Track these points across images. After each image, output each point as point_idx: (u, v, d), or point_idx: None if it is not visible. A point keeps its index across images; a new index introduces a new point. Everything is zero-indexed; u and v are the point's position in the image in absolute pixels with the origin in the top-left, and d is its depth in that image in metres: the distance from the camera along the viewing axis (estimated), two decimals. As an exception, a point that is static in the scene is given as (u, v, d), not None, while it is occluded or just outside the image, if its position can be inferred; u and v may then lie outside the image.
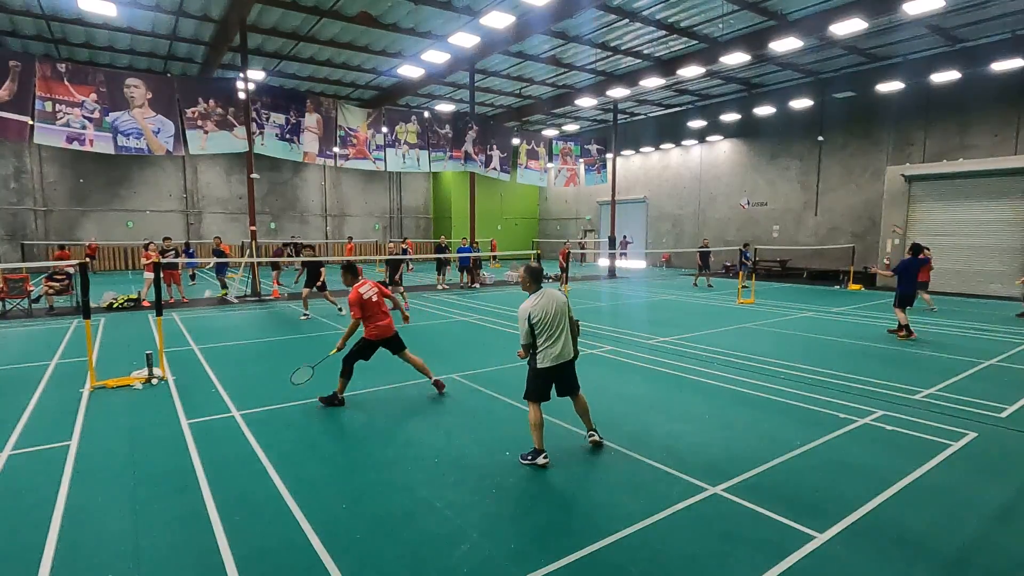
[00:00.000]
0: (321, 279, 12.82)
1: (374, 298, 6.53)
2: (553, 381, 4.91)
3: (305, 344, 9.99)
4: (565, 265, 14.72)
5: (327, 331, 11.19)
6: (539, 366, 4.82)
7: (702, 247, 20.16)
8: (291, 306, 14.71)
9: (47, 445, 5.25)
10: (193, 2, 15.91)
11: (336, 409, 6.32)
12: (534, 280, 4.98)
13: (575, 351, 5.02)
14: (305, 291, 12.82)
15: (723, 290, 19.02)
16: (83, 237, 26.32)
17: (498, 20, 14.76)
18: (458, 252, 19.73)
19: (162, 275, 14.75)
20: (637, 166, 31.84)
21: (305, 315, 12.65)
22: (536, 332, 4.78)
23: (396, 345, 6.76)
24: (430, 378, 6.93)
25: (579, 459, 4.98)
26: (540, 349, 4.81)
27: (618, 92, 23.62)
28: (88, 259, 24.46)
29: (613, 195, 27.18)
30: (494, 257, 32.27)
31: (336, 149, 18.09)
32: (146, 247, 14.97)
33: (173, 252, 15.30)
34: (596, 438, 5.18)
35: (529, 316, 4.75)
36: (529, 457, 4.84)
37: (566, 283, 17.44)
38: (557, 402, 5.85)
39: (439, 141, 20.35)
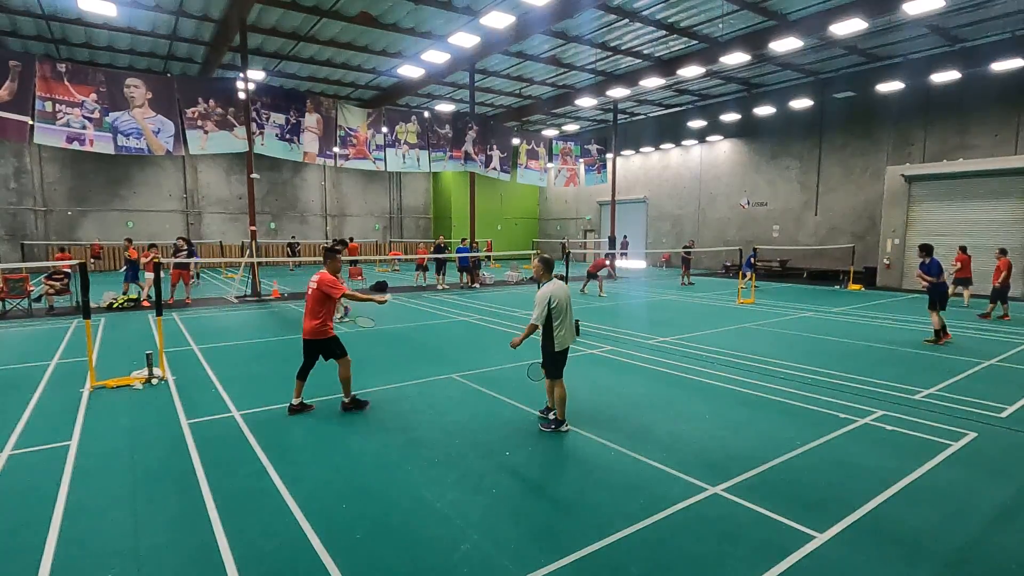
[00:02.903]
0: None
1: (307, 291, 6.03)
2: (564, 360, 5.58)
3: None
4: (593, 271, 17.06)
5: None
6: (556, 350, 5.49)
7: (686, 247, 21.40)
8: (291, 306, 14.71)
9: (47, 445, 5.25)
10: (193, 2, 15.91)
11: (335, 409, 6.32)
12: (548, 270, 5.64)
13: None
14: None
15: (723, 290, 19.03)
16: (83, 237, 26.33)
17: (498, 20, 14.76)
18: (457, 252, 19.74)
19: (170, 273, 14.81)
20: (637, 166, 31.83)
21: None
22: (553, 316, 5.41)
23: (324, 351, 6.11)
24: (346, 396, 6.23)
25: (579, 459, 4.98)
26: (556, 333, 5.44)
27: (618, 92, 23.63)
28: (93, 260, 24.50)
29: (613, 195, 27.19)
30: (487, 257, 32.27)
31: (336, 149, 18.09)
32: (149, 247, 14.95)
33: (185, 252, 15.11)
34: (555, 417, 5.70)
35: (550, 300, 5.37)
36: (552, 426, 5.60)
37: (602, 290, 17.58)
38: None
39: (439, 141, 20.36)
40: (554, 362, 5.54)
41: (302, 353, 6.13)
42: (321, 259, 6.48)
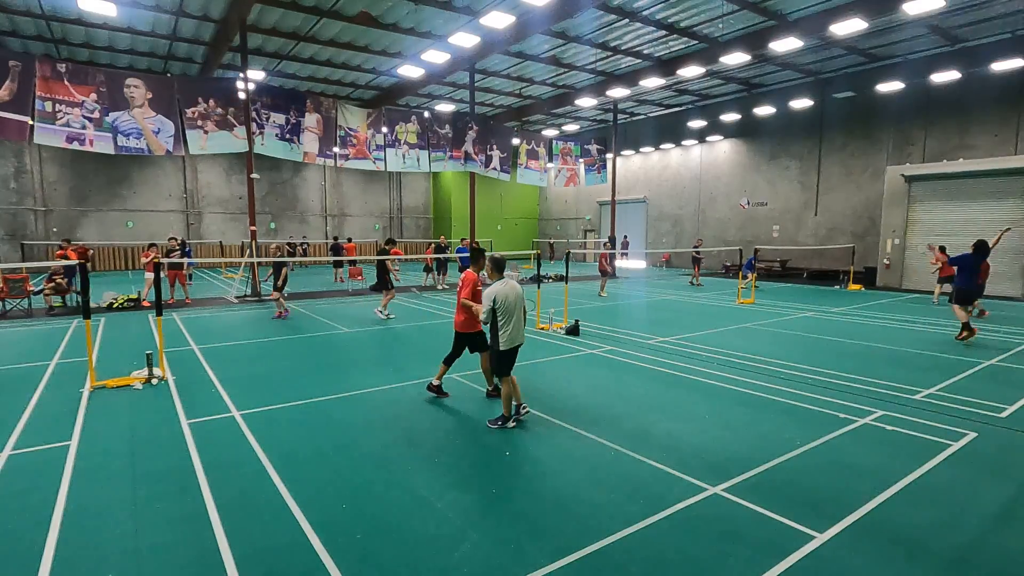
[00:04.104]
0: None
1: (459, 287, 6.55)
2: (514, 358, 5.76)
3: (306, 344, 9.99)
4: (607, 269, 16.95)
5: (328, 331, 11.19)
6: (502, 348, 5.63)
7: (695, 247, 21.08)
8: (291, 306, 14.70)
9: (47, 445, 5.25)
10: (193, 2, 15.91)
11: (335, 409, 6.32)
12: (498, 270, 5.87)
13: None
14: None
15: (723, 290, 19.03)
16: (83, 237, 26.28)
17: (498, 20, 14.75)
18: (457, 252, 19.74)
19: (166, 274, 14.81)
20: (637, 166, 31.83)
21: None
22: (499, 315, 5.58)
23: (470, 343, 6.68)
24: (490, 385, 6.86)
25: (579, 459, 4.98)
26: (502, 332, 5.59)
27: (618, 92, 23.62)
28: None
29: (613, 195, 27.17)
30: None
31: (336, 149, 18.09)
32: (149, 247, 14.95)
33: (179, 252, 15.11)
34: (526, 411, 5.91)
35: (495, 299, 5.54)
36: (499, 423, 5.73)
37: (603, 289, 17.44)
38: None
39: (439, 141, 20.36)
40: (500, 361, 5.69)
41: (452, 342, 6.66)
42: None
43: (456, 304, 6.60)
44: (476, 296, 6.47)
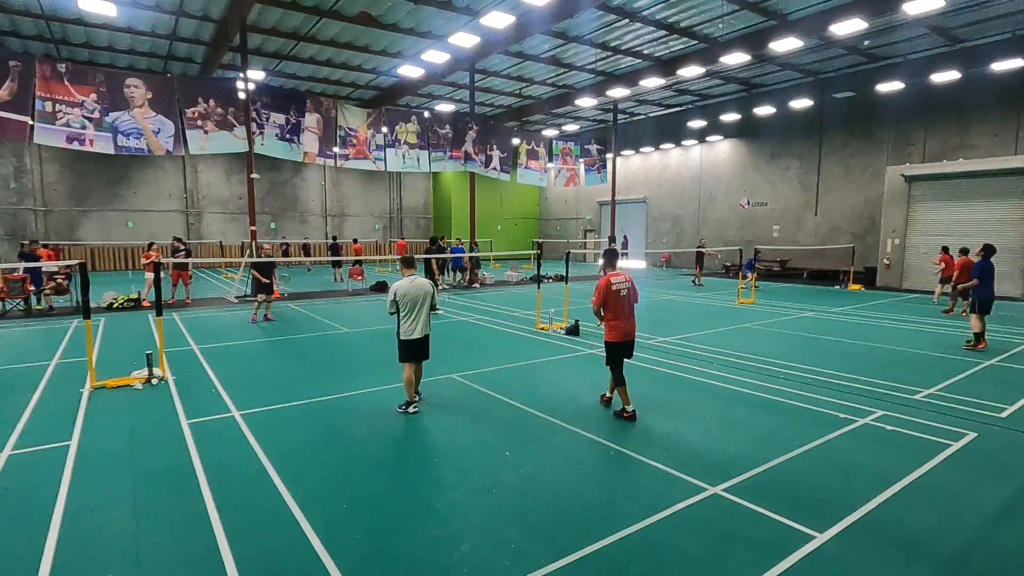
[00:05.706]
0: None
1: (623, 292, 6.17)
2: (413, 350, 6.12)
3: (306, 344, 9.99)
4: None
5: (328, 331, 11.19)
6: (401, 338, 6.09)
7: (699, 247, 20.91)
8: (291, 306, 14.71)
9: (47, 445, 5.25)
10: (193, 2, 15.90)
11: (335, 410, 6.33)
12: (407, 266, 6.28)
13: (428, 330, 6.24)
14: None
15: (723, 290, 19.02)
16: (83, 237, 26.34)
17: (498, 20, 14.75)
18: (452, 252, 19.75)
19: (169, 274, 14.83)
20: (637, 166, 31.83)
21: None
22: (400, 308, 6.02)
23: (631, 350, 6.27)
24: (626, 404, 6.06)
25: (579, 459, 4.98)
26: (402, 324, 6.04)
27: (618, 92, 23.62)
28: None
29: (613, 195, 27.18)
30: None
31: (336, 149, 18.10)
32: (149, 247, 14.95)
33: (184, 252, 15.14)
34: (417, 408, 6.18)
35: (395, 292, 5.99)
36: (403, 407, 6.18)
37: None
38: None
39: (439, 141, 20.37)
40: (401, 349, 6.14)
41: (618, 357, 6.09)
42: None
43: (626, 311, 6.21)
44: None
